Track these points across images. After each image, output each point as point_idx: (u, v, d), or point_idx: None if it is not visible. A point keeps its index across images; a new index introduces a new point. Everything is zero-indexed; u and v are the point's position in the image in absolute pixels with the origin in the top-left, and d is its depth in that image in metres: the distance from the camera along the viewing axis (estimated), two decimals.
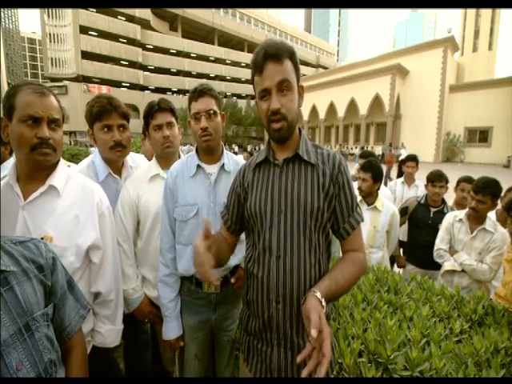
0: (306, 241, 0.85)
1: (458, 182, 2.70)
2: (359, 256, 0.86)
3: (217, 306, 1.26)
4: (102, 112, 1.33)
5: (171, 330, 1.25)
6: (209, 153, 1.25)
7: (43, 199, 0.98)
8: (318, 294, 0.70)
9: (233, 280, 1.24)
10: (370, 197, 2.27)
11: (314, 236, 0.86)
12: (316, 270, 0.85)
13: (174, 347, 1.27)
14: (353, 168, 4.48)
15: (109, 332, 1.13)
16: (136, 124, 12.62)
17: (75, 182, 1.08)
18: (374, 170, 2.18)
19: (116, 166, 1.47)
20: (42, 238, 0.94)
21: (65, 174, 1.05)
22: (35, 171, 0.98)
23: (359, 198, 2.30)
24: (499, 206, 2.25)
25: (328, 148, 0.96)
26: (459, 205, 2.71)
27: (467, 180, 2.59)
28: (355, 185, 3.10)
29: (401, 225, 2.66)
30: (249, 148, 23.59)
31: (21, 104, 0.90)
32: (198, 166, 1.23)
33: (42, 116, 0.92)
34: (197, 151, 1.28)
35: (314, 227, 0.86)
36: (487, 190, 1.96)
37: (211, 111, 1.18)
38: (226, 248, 1.00)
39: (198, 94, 1.19)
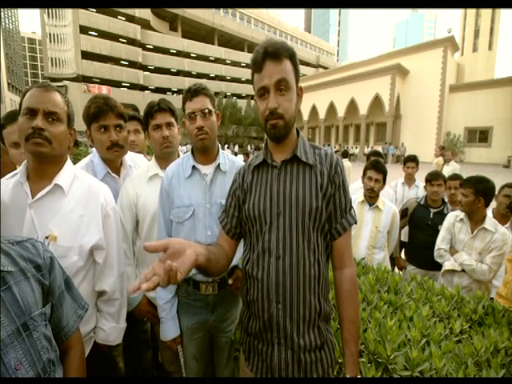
0: (304, 241, 0.85)
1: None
2: (351, 277, 0.87)
3: (214, 308, 1.26)
4: (98, 112, 1.33)
5: (167, 330, 1.25)
6: (205, 153, 1.24)
7: (49, 198, 0.98)
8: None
9: (230, 281, 1.23)
10: (373, 197, 2.28)
11: (312, 236, 0.86)
12: (315, 270, 0.85)
13: (171, 348, 1.27)
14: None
15: (112, 329, 1.14)
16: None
17: (81, 181, 1.08)
18: (385, 170, 2.23)
19: (114, 165, 1.47)
20: (46, 237, 0.94)
21: (71, 174, 1.06)
22: (38, 166, 0.98)
23: (362, 198, 2.31)
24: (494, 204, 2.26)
25: (327, 148, 0.96)
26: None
27: None
28: (356, 186, 3.10)
29: (402, 227, 2.66)
30: (248, 148, 23.52)
31: (25, 100, 0.95)
32: (194, 167, 1.22)
33: (37, 108, 0.93)
34: (192, 152, 1.27)
35: (313, 227, 0.86)
36: (468, 184, 2.04)
37: (206, 110, 1.17)
38: (224, 258, 0.94)
39: (192, 93, 1.18)
